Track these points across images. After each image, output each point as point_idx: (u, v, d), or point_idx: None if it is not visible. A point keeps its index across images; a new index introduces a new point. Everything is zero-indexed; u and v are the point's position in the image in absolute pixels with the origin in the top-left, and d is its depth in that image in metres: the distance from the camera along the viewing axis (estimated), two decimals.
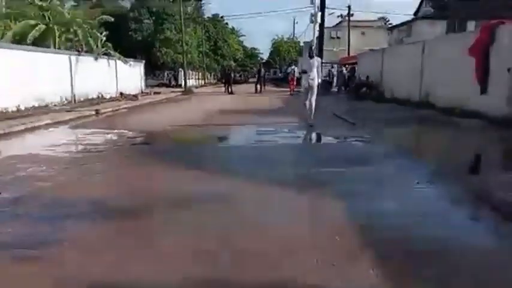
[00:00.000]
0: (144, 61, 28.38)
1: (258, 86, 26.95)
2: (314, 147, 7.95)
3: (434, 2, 41.76)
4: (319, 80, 9.56)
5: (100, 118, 12.70)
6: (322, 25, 29.16)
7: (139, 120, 11.72)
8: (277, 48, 70.06)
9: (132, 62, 24.67)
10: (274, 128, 9.37)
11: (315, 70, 9.30)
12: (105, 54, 21.20)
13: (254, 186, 4.52)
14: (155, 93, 26.25)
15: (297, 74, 27.42)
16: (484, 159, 6.36)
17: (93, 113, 13.50)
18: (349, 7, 37.01)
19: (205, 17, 58.41)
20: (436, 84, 12.23)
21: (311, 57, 9.52)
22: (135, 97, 19.49)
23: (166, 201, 4.01)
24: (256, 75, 28.65)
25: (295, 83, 25.47)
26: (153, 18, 43.49)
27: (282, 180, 4.71)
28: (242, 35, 78.87)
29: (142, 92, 25.67)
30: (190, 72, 46.16)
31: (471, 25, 33.59)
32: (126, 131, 9.01)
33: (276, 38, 71.82)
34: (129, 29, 40.99)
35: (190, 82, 42.96)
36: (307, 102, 9.41)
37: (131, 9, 43.41)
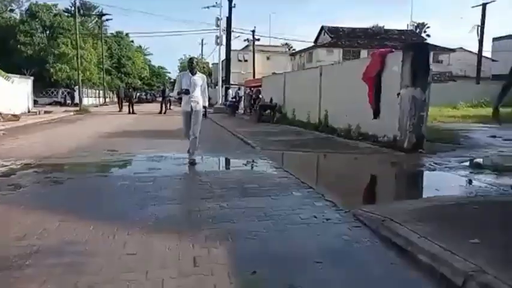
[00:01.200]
0: (32, 77, 25.63)
1: (163, 106, 25.91)
2: (208, 175, 7.29)
3: (331, 32, 44.70)
4: (206, 104, 7.63)
5: None
6: (228, 47, 29.29)
7: (9, 146, 10.07)
8: (185, 68, 69.15)
9: (16, 78, 22.00)
10: (166, 154, 8.54)
11: (198, 90, 7.36)
12: None
13: (121, 233, 3.72)
14: (46, 112, 24.13)
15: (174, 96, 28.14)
16: (378, 186, 6.30)
17: None
18: (253, 31, 37.75)
19: (109, 33, 55.80)
20: (334, 108, 12.52)
21: (193, 73, 7.40)
22: (15, 117, 17.18)
23: None
24: (161, 95, 27.57)
25: None
26: (47, 32, 40.12)
27: (155, 223, 4.00)
28: (149, 53, 76.93)
29: (29, 112, 23.22)
30: (89, 90, 43.26)
31: (364, 53, 36.50)
32: None
33: (183, 57, 70.74)
34: (18, 42, 37.19)
35: (89, 101, 40.21)
36: (190, 132, 7.40)
37: (21, 22, 39.52)
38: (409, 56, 8.67)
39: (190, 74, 7.39)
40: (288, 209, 4.50)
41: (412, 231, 3.42)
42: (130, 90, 27.94)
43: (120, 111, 26.26)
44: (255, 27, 41.36)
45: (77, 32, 27.29)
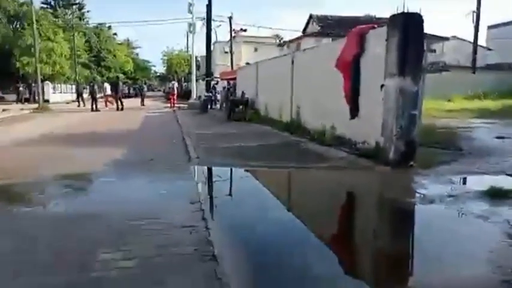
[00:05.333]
0: None
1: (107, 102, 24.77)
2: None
3: (320, 20, 42.33)
4: None
5: None
6: (208, 35, 26.68)
7: None
8: (170, 61, 65.86)
9: None
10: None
11: None
12: None
13: None
14: (4, 110, 22.12)
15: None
16: (347, 257, 3.99)
17: None
18: (230, 17, 35.06)
19: (91, 24, 53.01)
20: (307, 104, 10.19)
21: None
22: None
23: None
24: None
25: (175, 98, 26.50)
26: (13, 23, 37.31)
27: None
28: (135, 47, 74.58)
29: None
30: (62, 85, 40.51)
31: None
32: None
33: (166, 50, 66.73)
34: None
35: (61, 97, 37.52)
36: None
37: None
38: (396, 33, 6.29)
39: None
40: None
41: None
42: (93, 85, 24.88)
43: (79, 106, 24.24)
44: (231, 13, 38.59)
45: (33, 20, 24.65)
